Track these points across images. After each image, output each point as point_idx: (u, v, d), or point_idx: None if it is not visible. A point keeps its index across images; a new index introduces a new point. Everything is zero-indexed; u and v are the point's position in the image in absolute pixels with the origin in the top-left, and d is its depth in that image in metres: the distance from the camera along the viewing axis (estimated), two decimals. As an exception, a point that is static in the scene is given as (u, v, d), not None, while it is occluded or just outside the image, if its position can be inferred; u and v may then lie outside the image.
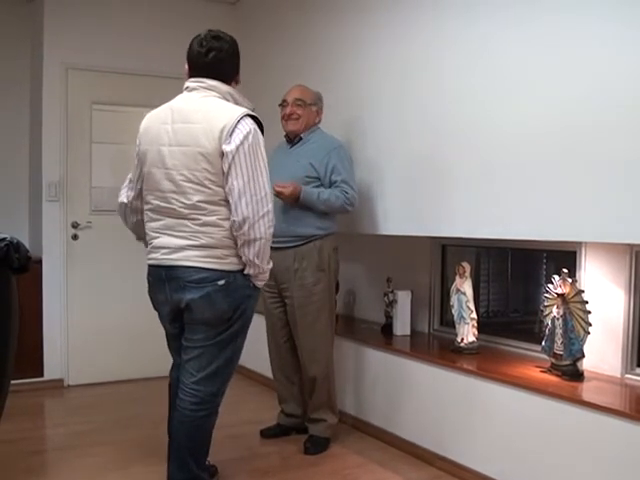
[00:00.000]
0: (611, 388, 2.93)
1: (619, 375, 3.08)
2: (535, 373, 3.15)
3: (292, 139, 3.73)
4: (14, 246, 2.68)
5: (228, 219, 2.66)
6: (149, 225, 2.82)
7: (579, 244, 3.23)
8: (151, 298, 2.89)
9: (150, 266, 2.82)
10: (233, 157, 2.60)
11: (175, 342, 2.92)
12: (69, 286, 5.02)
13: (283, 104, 3.71)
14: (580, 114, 2.76)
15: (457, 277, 3.66)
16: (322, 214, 3.58)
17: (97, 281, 5.07)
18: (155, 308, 2.90)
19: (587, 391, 2.88)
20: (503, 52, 3.11)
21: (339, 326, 4.36)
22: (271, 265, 2.81)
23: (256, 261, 2.68)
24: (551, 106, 2.88)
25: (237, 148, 2.60)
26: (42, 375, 4.93)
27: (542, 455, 2.87)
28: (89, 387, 4.99)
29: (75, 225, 5.05)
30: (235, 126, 2.62)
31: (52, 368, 4.97)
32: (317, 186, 3.58)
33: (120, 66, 5.10)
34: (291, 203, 3.50)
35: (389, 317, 4.21)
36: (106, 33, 5.06)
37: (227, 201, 2.65)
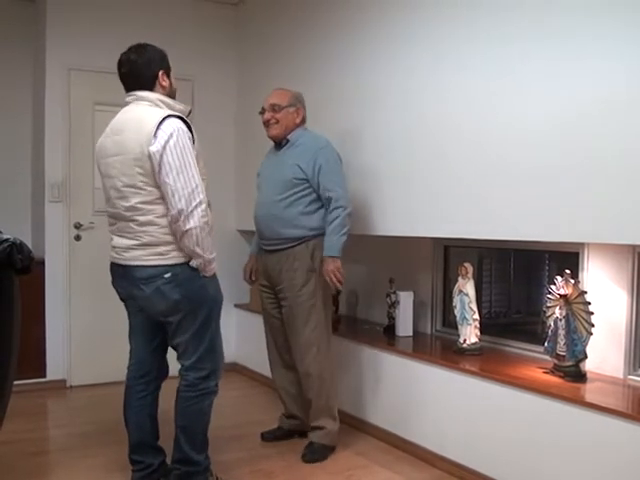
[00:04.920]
0: (614, 389, 2.93)
1: (622, 376, 3.07)
2: (537, 374, 3.15)
3: (279, 143, 3.72)
4: (17, 247, 2.68)
5: (164, 216, 2.84)
6: (109, 229, 3.08)
7: (582, 245, 3.22)
8: (115, 290, 3.13)
9: (110, 263, 3.07)
10: (161, 156, 2.76)
11: (135, 333, 3.19)
12: (72, 287, 5.04)
13: (262, 111, 3.71)
14: (583, 115, 2.76)
15: (459, 278, 3.66)
16: (312, 215, 3.55)
17: (100, 282, 5.03)
18: (120, 299, 3.15)
19: (590, 392, 2.88)
20: (505, 54, 3.11)
21: (341, 327, 4.36)
22: (214, 256, 2.92)
23: (197, 250, 2.83)
24: (553, 108, 2.88)
25: (163, 147, 2.76)
26: (44, 376, 4.95)
27: (544, 456, 2.87)
28: (91, 388, 4.99)
29: (78, 226, 5.05)
30: (158, 127, 2.78)
31: (54, 369, 4.99)
32: (306, 188, 3.54)
33: (123, 67, 5.09)
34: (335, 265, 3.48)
35: (391, 318, 4.21)
36: (109, 34, 5.05)
37: (162, 199, 2.83)
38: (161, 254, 2.86)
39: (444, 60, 3.44)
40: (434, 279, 4.22)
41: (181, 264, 2.88)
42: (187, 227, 2.77)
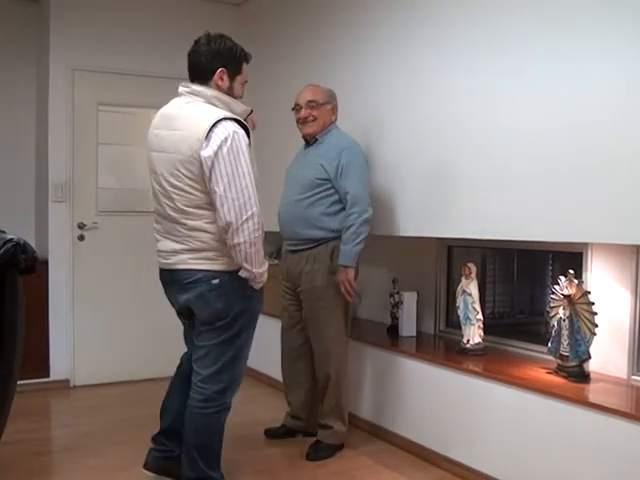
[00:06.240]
0: (617, 389, 2.93)
1: (625, 377, 3.07)
2: (541, 374, 3.14)
3: (309, 141, 3.69)
4: (21, 247, 2.68)
5: (214, 223, 2.69)
6: (154, 227, 2.91)
7: (585, 245, 3.22)
8: (167, 298, 3.00)
9: (159, 269, 2.93)
10: (212, 162, 2.60)
11: (187, 337, 3.07)
12: (75, 287, 5.04)
13: (296, 107, 3.65)
14: (586, 117, 2.76)
15: (463, 278, 3.66)
16: (334, 216, 3.51)
17: (103, 282, 5.08)
18: (172, 307, 3.01)
19: (593, 392, 2.87)
20: (509, 56, 3.11)
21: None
22: (265, 269, 2.78)
23: (245, 265, 2.69)
24: (557, 109, 2.88)
25: (215, 153, 2.59)
26: (48, 376, 4.95)
27: (548, 456, 2.87)
28: (95, 388, 5.00)
29: (81, 226, 5.06)
30: (211, 131, 2.60)
31: (58, 369, 4.99)
32: (328, 188, 3.50)
33: (126, 67, 5.11)
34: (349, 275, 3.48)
35: (395, 318, 4.21)
36: (112, 34, 5.07)
37: (212, 205, 2.67)
38: (211, 259, 2.72)
39: (450, 61, 3.43)
40: (437, 279, 4.21)
41: (230, 272, 2.73)
42: (235, 242, 2.62)
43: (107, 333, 5.08)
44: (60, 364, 4.99)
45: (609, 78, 2.67)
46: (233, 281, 2.74)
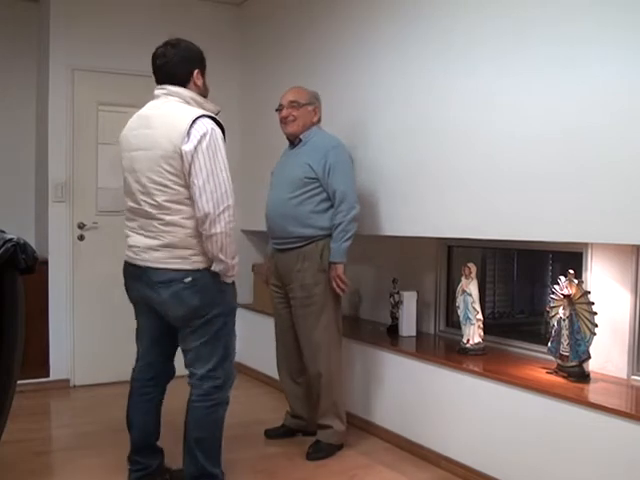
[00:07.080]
0: (617, 389, 2.93)
1: (625, 376, 3.07)
2: (541, 374, 3.14)
3: (293, 141, 3.73)
4: (21, 247, 2.68)
5: (191, 218, 2.77)
6: (126, 224, 2.97)
7: (585, 245, 3.22)
8: (126, 291, 3.05)
9: (125, 262, 2.98)
10: (192, 156, 2.71)
11: (145, 335, 3.11)
12: (75, 287, 5.04)
13: (279, 108, 3.71)
14: (587, 118, 2.76)
15: (463, 278, 3.66)
16: (322, 214, 3.56)
17: (103, 281, 5.07)
18: (130, 301, 3.07)
19: (593, 392, 2.87)
20: (512, 58, 3.11)
21: (345, 327, 4.36)
22: (237, 261, 2.87)
23: (220, 256, 2.77)
24: (557, 111, 2.88)
25: (195, 148, 2.70)
26: (48, 375, 4.95)
27: (548, 456, 2.87)
28: (95, 387, 5.00)
29: (81, 226, 5.06)
30: (191, 126, 2.72)
31: (58, 368, 4.99)
32: (316, 187, 3.55)
33: (126, 67, 5.10)
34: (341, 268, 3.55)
35: (395, 318, 4.21)
36: (112, 34, 5.07)
37: (191, 200, 2.76)
38: (183, 257, 2.78)
39: (450, 63, 3.43)
40: (437, 279, 4.22)
41: (202, 269, 2.81)
42: (212, 232, 2.72)
43: (107, 332, 5.08)
44: (60, 364, 4.99)
45: (609, 82, 2.67)
46: (206, 277, 2.82)
